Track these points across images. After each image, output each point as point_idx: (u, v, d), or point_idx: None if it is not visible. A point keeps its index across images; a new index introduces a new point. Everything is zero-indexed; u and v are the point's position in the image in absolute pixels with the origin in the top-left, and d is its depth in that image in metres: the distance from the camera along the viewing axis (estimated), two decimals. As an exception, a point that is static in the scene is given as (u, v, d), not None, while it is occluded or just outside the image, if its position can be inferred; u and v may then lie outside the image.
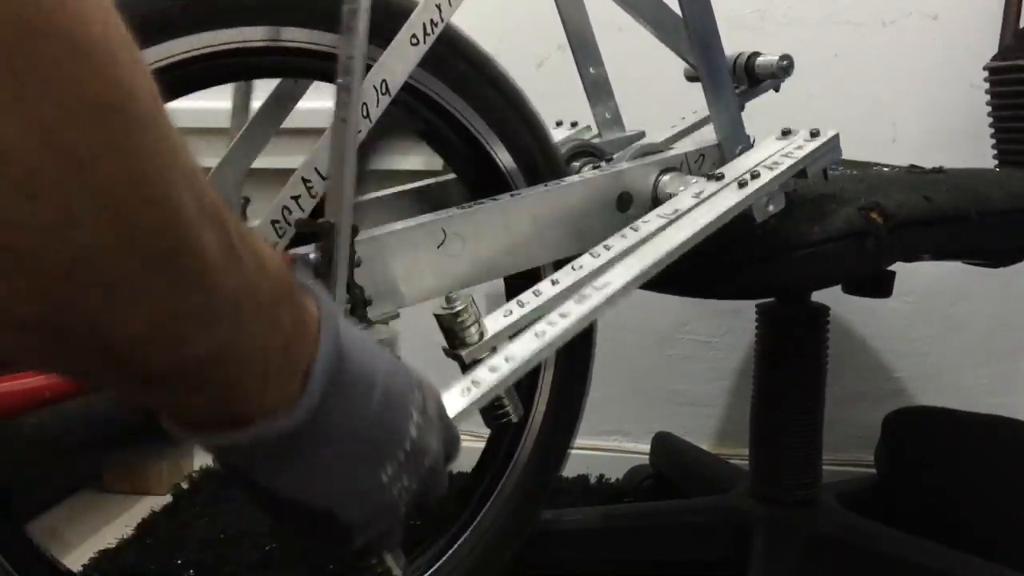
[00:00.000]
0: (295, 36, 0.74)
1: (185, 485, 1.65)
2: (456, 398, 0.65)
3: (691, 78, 0.98)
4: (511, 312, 0.72)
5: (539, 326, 0.71)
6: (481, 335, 0.69)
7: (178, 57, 0.68)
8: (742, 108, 0.98)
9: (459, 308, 0.68)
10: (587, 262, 0.77)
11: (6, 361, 0.75)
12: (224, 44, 0.70)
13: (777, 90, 1.01)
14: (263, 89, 0.90)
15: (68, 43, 0.28)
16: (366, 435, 0.44)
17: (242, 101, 0.95)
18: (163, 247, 0.32)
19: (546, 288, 0.75)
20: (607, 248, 0.78)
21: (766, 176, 0.85)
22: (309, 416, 0.40)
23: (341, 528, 0.45)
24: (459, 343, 0.69)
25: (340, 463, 0.43)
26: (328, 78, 0.70)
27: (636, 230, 0.80)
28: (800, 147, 0.90)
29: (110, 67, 0.30)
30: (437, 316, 0.69)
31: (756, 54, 0.99)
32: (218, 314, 0.35)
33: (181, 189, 0.32)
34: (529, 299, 0.74)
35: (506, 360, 0.68)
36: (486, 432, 0.97)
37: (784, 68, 0.98)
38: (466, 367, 0.68)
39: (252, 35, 0.72)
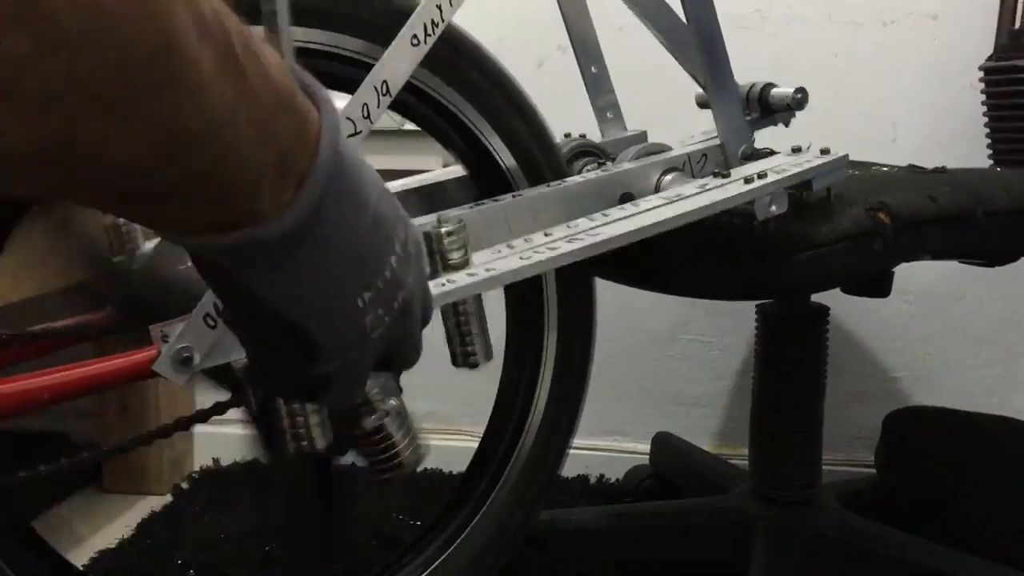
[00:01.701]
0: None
1: (185, 485, 1.65)
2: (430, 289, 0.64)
3: (703, 104, 0.97)
4: (500, 251, 0.72)
5: (526, 252, 0.71)
6: (467, 262, 0.68)
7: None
8: (751, 138, 0.97)
9: (451, 228, 0.67)
10: (582, 223, 0.77)
11: (5, 362, 0.75)
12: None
13: (788, 125, 1.01)
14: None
15: None
16: (352, 253, 0.44)
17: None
18: (159, 66, 0.32)
19: (538, 238, 0.74)
20: (605, 215, 0.78)
21: (772, 177, 0.85)
22: (299, 223, 0.40)
23: (309, 346, 0.45)
24: (442, 262, 0.67)
25: (323, 277, 0.43)
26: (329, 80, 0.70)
27: (636, 206, 0.80)
28: (810, 161, 0.90)
29: None
30: (425, 233, 0.67)
31: (771, 85, 0.99)
32: (213, 128, 0.35)
33: (180, 9, 0.32)
34: (519, 243, 0.73)
35: (486, 271, 0.68)
36: (481, 431, 0.97)
37: (799, 101, 0.98)
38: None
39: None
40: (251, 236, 0.39)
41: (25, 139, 0.30)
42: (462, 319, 0.67)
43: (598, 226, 0.76)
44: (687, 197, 0.81)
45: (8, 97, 0.29)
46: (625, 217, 0.78)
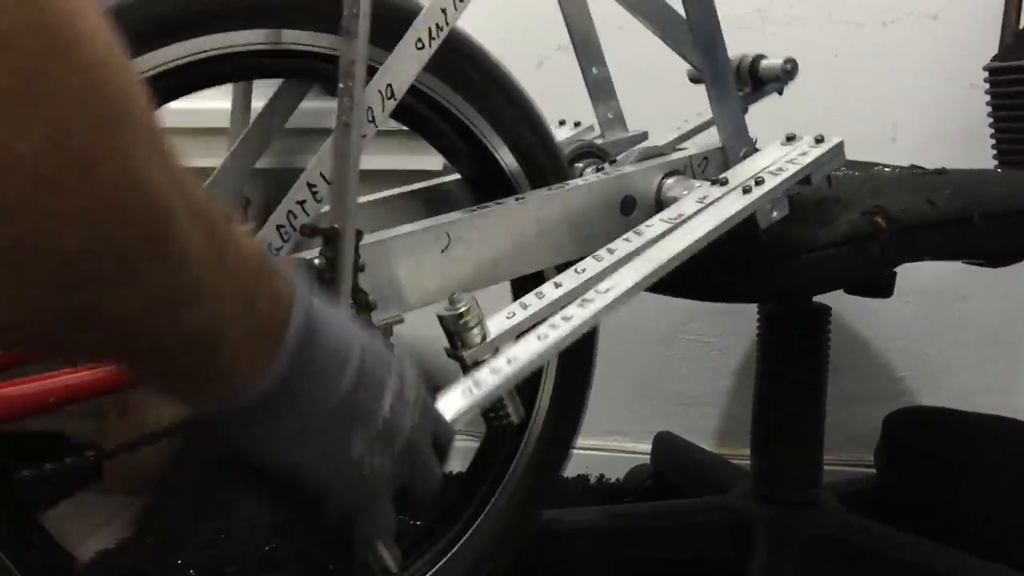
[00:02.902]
0: (297, 39, 0.73)
1: (185, 485, 1.64)
2: (457, 399, 0.66)
3: (695, 79, 0.97)
4: (514, 314, 0.72)
5: (542, 329, 0.71)
6: (484, 337, 0.69)
7: (180, 61, 0.68)
8: (745, 111, 0.97)
9: (462, 309, 0.69)
10: (591, 265, 0.77)
11: (11, 363, 0.75)
12: (227, 47, 0.70)
13: (780, 93, 1.01)
14: (264, 89, 0.90)
15: (77, 61, 0.33)
16: (334, 406, 0.47)
17: (242, 101, 0.95)
18: (156, 240, 0.37)
19: (549, 291, 0.75)
20: (611, 252, 0.78)
21: (771, 182, 0.85)
22: (277, 384, 0.44)
23: (312, 495, 0.49)
24: (461, 344, 0.69)
25: (307, 430, 0.47)
26: (330, 80, 0.70)
27: (640, 234, 0.80)
28: (805, 153, 0.90)
29: (112, 82, 0.35)
30: (440, 317, 0.69)
31: (760, 57, 0.99)
32: (200, 297, 0.40)
33: (172, 190, 0.38)
34: (532, 302, 0.74)
35: (508, 362, 0.69)
36: (482, 430, 0.97)
37: (788, 71, 0.98)
38: (468, 368, 0.69)
39: (253, 38, 0.72)
40: (231, 400, 0.44)
41: (39, 291, 0.35)
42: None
43: (606, 269, 0.77)
44: (690, 218, 0.82)
45: (34, 254, 0.34)
46: (632, 254, 0.78)
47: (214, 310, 0.41)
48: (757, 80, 1.00)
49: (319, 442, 0.47)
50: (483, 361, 0.69)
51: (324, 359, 0.47)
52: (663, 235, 0.80)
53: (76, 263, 0.35)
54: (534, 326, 0.72)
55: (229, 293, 0.42)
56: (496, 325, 0.71)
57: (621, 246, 0.79)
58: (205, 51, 0.70)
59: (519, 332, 0.72)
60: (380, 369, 0.50)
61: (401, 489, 0.53)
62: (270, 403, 0.45)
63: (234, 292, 0.42)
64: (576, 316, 0.72)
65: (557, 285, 0.75)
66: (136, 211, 0.36)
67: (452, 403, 0.65)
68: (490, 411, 0.70)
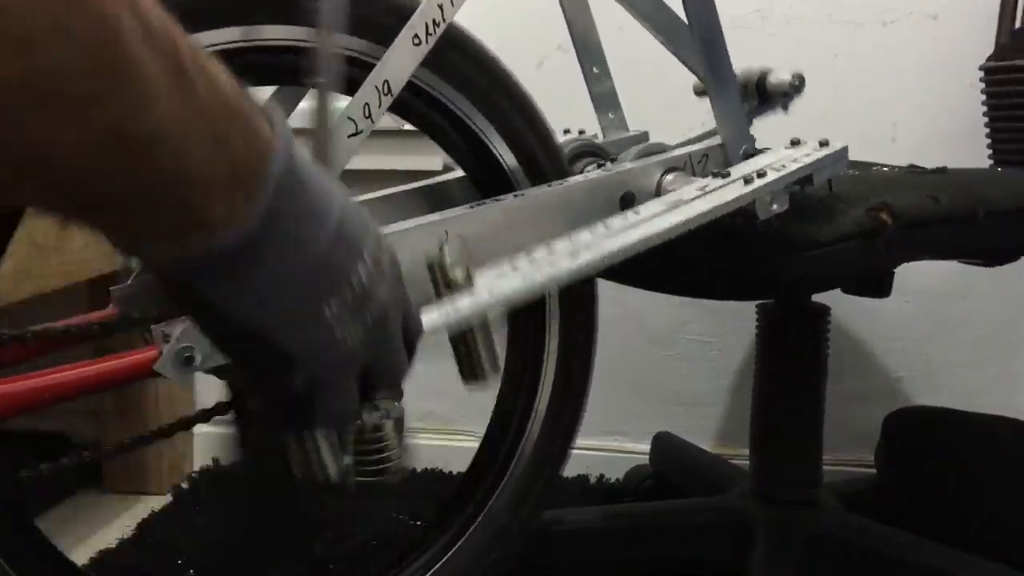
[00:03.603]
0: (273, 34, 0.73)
1: (185, 485, 1.65)
2: (432, 315, 0.64)
3: (700, 93, 0.97)
4: (502, 270, 0.72)
5: (527, 270, 0.71)
6: (469, 282, 0.68)
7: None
8: (750, 124, 0.97)
9: (451, 256, 0.67)
10: (585, 235, 0.77)
11: (6, 362, 0.75)
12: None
13: (786, 109, 1.01)
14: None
15: None
16: (310, 262, 0.44)
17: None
18: (103, 69, 0.33)
19: (540, 253, 0.74)
20: (606, 226, 0.78)
21: (772, 175, 0.85)
22: (251, 234, 0.41)
23: (281, 357, 0.45)
24: (446, 287, 0.67)
25: (281, 286, 0.43)
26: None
27: (637, 214, 0.80)
28: (808, 155, 0.90)
29: None
30: (427, 260, 0.67)
31: (767, 71, 0.99)
32: (162, 137, 0.36)
33: (122, 12, 0.33)
34: (522, 261, 0.73)
35: (489, 293, 0.67)
36: (482, 431, 0.97)
37: (796, 87, 0.98)
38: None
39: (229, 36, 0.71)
40: (203, 248, 0.40)
41: None
42: (468, 337, 0.67)
43: (599, 239, 0.76)
44: (688, 202, 0.81)
45: None
46: (626, 228, 0.77)
47: (177, 150, 0.37)
48: (764, 94, 0.99)
49: (292, 301, 0.44)
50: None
51: (303, 212, 0.43)
52: (659, 215, 0.79)
53: (7, 95, 0.31)
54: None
55: (196, 131, 0.38)
56: (484, 276, 0.70)
57: (617, 222, 0.78)
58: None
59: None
60: (359, 232, 0.47)
61: (368, 371, 0.50)
62: (241, 256, 0.41)
63: (202, 130, 0.38)
64: (564, 265, 0.71)
65: (549, 250, 0.75)
66: (78, 32, 0.32)
67: (427, 318, 0.63)
68: (464, 352, 0.68)
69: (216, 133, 0.39)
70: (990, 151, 1.33)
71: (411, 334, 0.54)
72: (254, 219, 0.41)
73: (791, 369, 1.23)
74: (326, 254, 0.45)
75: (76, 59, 0.32)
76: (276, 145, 0.42)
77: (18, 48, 0.30)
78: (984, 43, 1.38)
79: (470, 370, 0.69)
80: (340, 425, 0.52)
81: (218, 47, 0.71)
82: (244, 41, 0.72)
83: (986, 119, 1.32)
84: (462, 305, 0.65)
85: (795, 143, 0.94)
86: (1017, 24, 1.37)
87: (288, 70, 0.75)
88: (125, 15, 0.34)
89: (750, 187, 0.84)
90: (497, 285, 0.68)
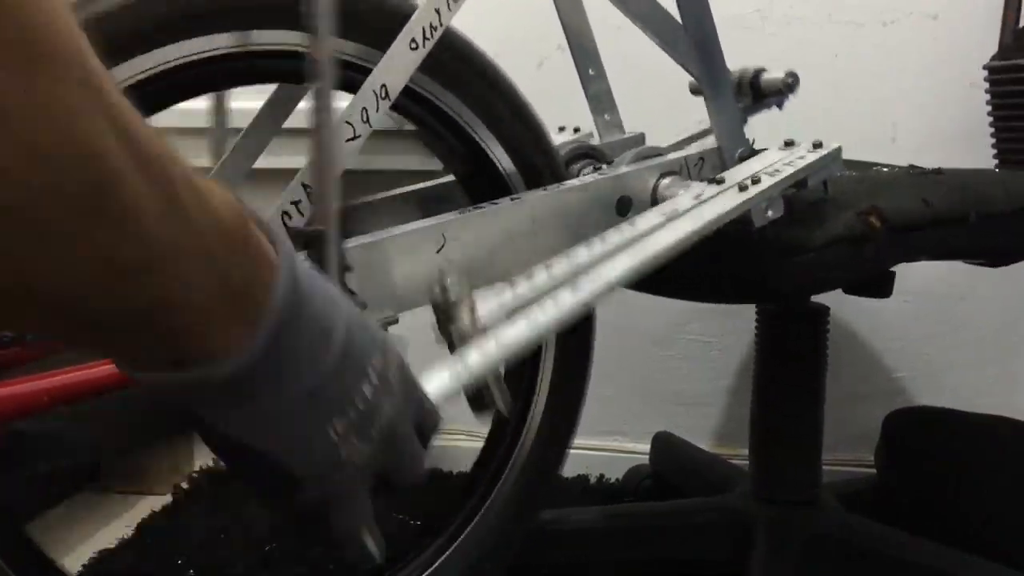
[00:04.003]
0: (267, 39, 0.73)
1: (185, 485, 1.65)
2: (443, 379, 0.64)
3: (696, 92, 0.97)
4: (504, 298, 0.72)
5: (532, 314, 0.70)
6: (473, 318, 0.68)
7: (157, 69, 0.68)
8: (745, 122, 0.97)
9: (453, 292, 0.67)
10: (582, 253, 0.77)
11: (4, 364, 0.75)
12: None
13: (780, 107, 1.01)
14: (263, 89, 0.90)
15: None
16: (315, 387, 0.43)
17: (219, 104, 0.93)
18: (88, 196, 0.32)
19: (540, 274, 0.74)
20: (603, 241, 0.78)
21: (767, 182, 0.85)
22: (251, 363, 0.40)
23: (288, 478, 0.45)
24: (450, 324, 0.67)
25: (286, 412, 0.43)
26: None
27: (633, 226, 0.80)
28: (802, 157, 0.90)
29: (30, 15, 0.30)
30: (431, 297, 0.68)
31: (761, 70, 0.99)
32: (155, 263, 0.35)
33: (107, 138, 0.33)
34: (522, 286, 0.73)
35: (496, 345, 0.67)
36: (484, 431, 0.97)
37: (789, 85, 0.98)
38: (455, 349, 0.68)
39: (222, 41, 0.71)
40: (201, 376, 0.39)
41: None
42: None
43: (598, 258, 0.76)
44: (684, 213, 0.81)
45: None
46: (623, 245, 0.77)
47: (171, 278, 0.36)
48: (758, 93, 0.99)
49: (295, 425, 0.44)
50: (471, 342, 0.68)
51: (307, 336, 0.42)
52: (657, 228, 0.79)
53: None
54: (524, 308, 0.71)
55: (191, 259, 0.37)
56: (485, 306, 0.70)
57: (614, 236, 0.78)
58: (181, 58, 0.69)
59: (509, 312, 0.71)
60: (365, 348, 0.46)
61: (381, 477, 0.50)
62: (243, 382, 0.40)
63: (197, 258, 0.37)
64: (566, 301, 0.71)
65: (548, 271, 0.75)
66: (63, 164, 0.31)
67: (437, 383, 0.63)
68: (477, 398, 0.69)
69: (213, 259, 0.38)
70: (994, 151, 1.33)
71: (427, 430, 0.54)
72: (255, 347, 0.40)
73: (791, 369, 1.23)
74: (330, 377, 0.44)
75: (57, 188, 0.31)
76: (278, 268, 0.41)
77: None
78: (984, 43, 1.38)
79: (480, 403, 0.69)
80: (358, 525, 0.52)
81: (217, 52, 0.71)
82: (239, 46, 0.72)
83: (990, 119, 1.32)
84: (472, 363, 0.66)
85: (789, 144, 0.94)
86: (1021, 23, 1.37)
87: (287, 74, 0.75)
88: (113, 142, 0.33)
89: (745, 195, 0.84)
90: (503, 334, 0.69)
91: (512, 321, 0.70)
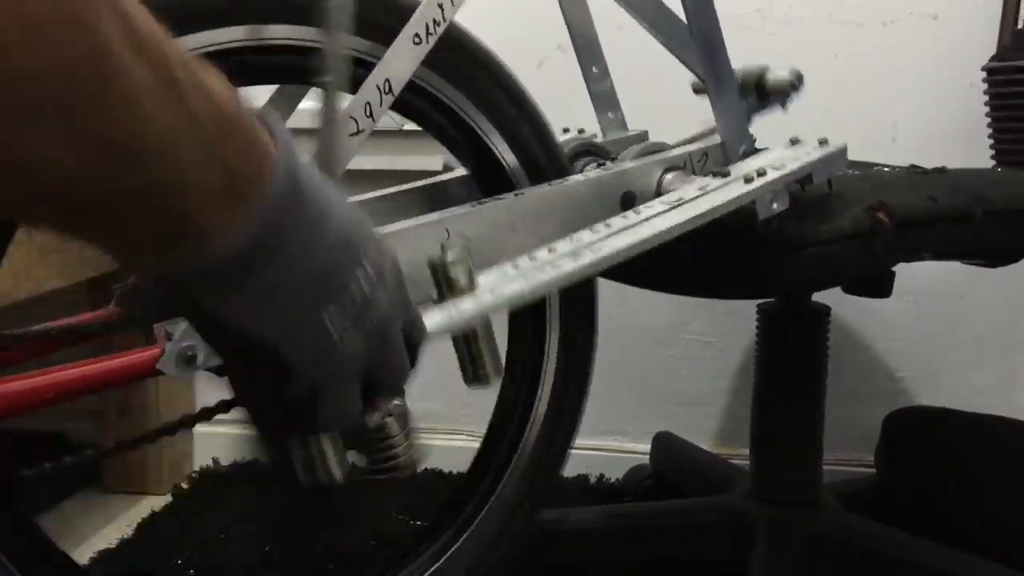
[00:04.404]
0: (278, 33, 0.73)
1: (185, 485, 1.65)
2: (435, 317, 0.64)
3: (699, 91, 0.97)
4: (504, 272, 0.72)
5: (530, 274, 0.70)
6: (472, 283, 0.68)
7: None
8: (749, 122, 0.97)
9: (454, 256, 0.67)
10: (586, 235, 0.77)
11: (6, 360, 0.75)
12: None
13: (785, 107, 1.01)
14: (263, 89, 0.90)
15: None
16: (310, 271, 0.44)
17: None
18: (88, 76, 0.32)
19: (542, 254, 0.74)
20: (607, 225, 0.78)
21: (772, 175, 0.85)
22: (248, 245, 0.40)
23: (281, 364, 0.45)
24: (449, 291, 0.67)
25: (279, 295, 0.43)
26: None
27: (638, 213, 0.80)
28: (808, 154, 0.90)
29: None
30: (430, 262, 0.67)
31: (765, 68, 0.99)
32: (150, 145, 0.35)
33: (108, 21, 0.33)
34: (524, 262, 0.73)
35: (492, 295, 0.67)
36: (483, 431, 0.97)
37: (794, 85, 0.98)
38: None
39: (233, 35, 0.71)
40: (199, 257, 0.39)
41: None
42: (471, 339, 0.67)
43: (600, 239, 0.76)
44: (688, 201, 0.81)
45: None
46: (627, 228, 0.77)
47: (168, 159, 0.36)
48: (763, 92, 1.00)
49: (290, 309, 0.44)
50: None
51: (302, 221, 0.43)
52: (661, 214, 0.79)
53: None
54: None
55: (188, 140, 0.37)
56: (486, 278, 0.70)
57: (617, 222, 0.78)
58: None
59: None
60: (360, 238, 0.47)
61: (370, 376, 0.50)
62: (237, 266, 0.41)
63: (194, 140, 0.37)
64: (565, 265, 0.71)
65: (551, 250, 0.75)
66: (63, 41, 0.31)
67: (429, 319, 0.63)
68: (467, 361, 0.68)
69: (210, 142, 0.38)
70: (992, 151, 1.33)
71: (414, 339, 0.54)
72: (251, 229, 0.40)
73: (791, 369, 1.23)
74: (326, 262, 0.44)
75: (53, 63, 0.31)
76: (275, 153, 0.42)
77: None
78: (984, 43, 1.38)
79: (473, 372, 0.69)
80: (342, 429, 0.52)
81: (223, 46, 0.71)
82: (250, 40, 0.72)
83: (988, 119, 1.32)
84: (465, 307, 0.65)
85: (794, 142, 0.94)
86: (1020, 24, 1.37)
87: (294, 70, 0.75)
88: (109, 22, 0.33)
89: (751, 186, 0.84)
90: (500, 286, 0.68)
91: (508, 276, 0.69)
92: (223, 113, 0.39)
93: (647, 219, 0.79)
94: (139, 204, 0.37)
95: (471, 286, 0.67)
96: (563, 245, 0.75)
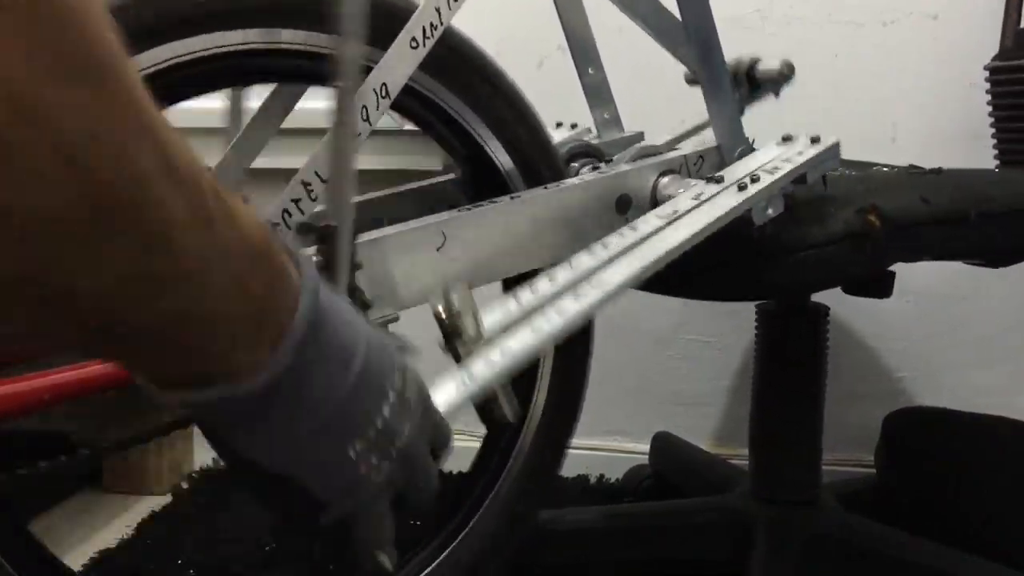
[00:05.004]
0: (292, 38, 0.73)
1: (185, 485, 1.65)
2: (450, 391, 0.65)
3: (691, 81, 0.98)
4: (508, 309, 0.72)
5: (536, 322, 0.71)
6: (478, 330, 0.69)
7: (176, 60, 0.69)
8: (742, 113, 0.98)
9: (457, 302, 0.68)
10: (584, 260, 0.77)
11: (5, 362, 0.75)
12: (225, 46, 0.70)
13: (777, 95, 1.01)
14: (263, 88, 0.90)
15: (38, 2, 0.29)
16: (336, 408, 0.44)
17: (236, 102, 0.94)
18: (123, 205, 0.32)
19: (543, 285, 0.74)
20: (605, 247, 0.78)
21: (766, 180, 0.85)
22: (274, 382, 0.40)
23: (309, 500, 0.46)
24: (455, 337, 0.68)
25: (306, 432, 0.43)
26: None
27: (634, 229, 0.80)
28: (801, 153, 0.90)
29: (75, 25, 0.30)
30: (436, 315, 0.68)
31: (756, 59, 0.99)
32: (184, 275, 0.35)
33: (142, 149, 0.33)
34: (526, 296, 0.73)
35: (502, 355, 0.68)
36: (482, 431, 0.97)
37: (785, 74, 0.98)
38: (461, 361, 0.68)
39: (251, 37, 0.72)
40: (225, 393, 0.40)
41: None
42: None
43: (600, 265, 0.76)
44: (685, 214, 0.81)
45: None
46: (625, 249, 0.78)
47: (201, 289, 0.36)
48: (754, 83, 1.00)
49: (316, 446, 0.44)
50: (476, 354, 0.68)
51: (328, 357, 0.43)
52: (657, 231, 0.80)
53: (31, 234, 0.31)
54: (528, 319, 0.72)
55: (221, 270, 0.37)
56: (490, 319, 0.71)
57: (615, 241, 0.78)
58: (199, 51, 0.70)
59: (514, 326, 0.71)
60: (384, 368, 0.47)
61: (398, 494, 0.51)
62: (264, 400, 0.41)
63: (225, 270, 0.37)
64: (570, 309, 0.72)
65: (551, 280, 0.75)
66: (99, 172, 0.31)
67: (445, 395, 0.64)
68: (484, 407, 0.69)
69: (239, 274, 0.38)
70: (995, 151, 1.33)
71: (440, 444, 0.55)
72: (278, 366, 0.40)
73: (791, 369, 1.23)
74: (350, 398, 0.44)
75: (87, 192, 0.31)
76: (302, 287, 0.42)
77: (37, 181, 0.30)
78: (984, 43, 1.38)
79: (491, 417, 0.70)
80: (378, 548, 0.53)
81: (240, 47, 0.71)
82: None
83: (991, 120, 1.32)
84: (478, 375, 0.66)
85: (787, 139, 0.94)
86: (1022, 24, 1.37)
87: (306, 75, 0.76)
88: (149, 151, 0.33)
89: (745, 195, 0.84)
90: (509, 342, 0.69)
91: (516, 330, 0.70)
92: (252, 245, 0.39)
93: (645, 238, 0.79)
94: (168, 334, 0.37)
95: (478, 333, 0.68)
96: (563, 274, 0.75)
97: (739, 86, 0.99)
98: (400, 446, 0.48)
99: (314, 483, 0.45)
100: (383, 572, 0.54)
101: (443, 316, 0.68)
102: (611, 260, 0.77)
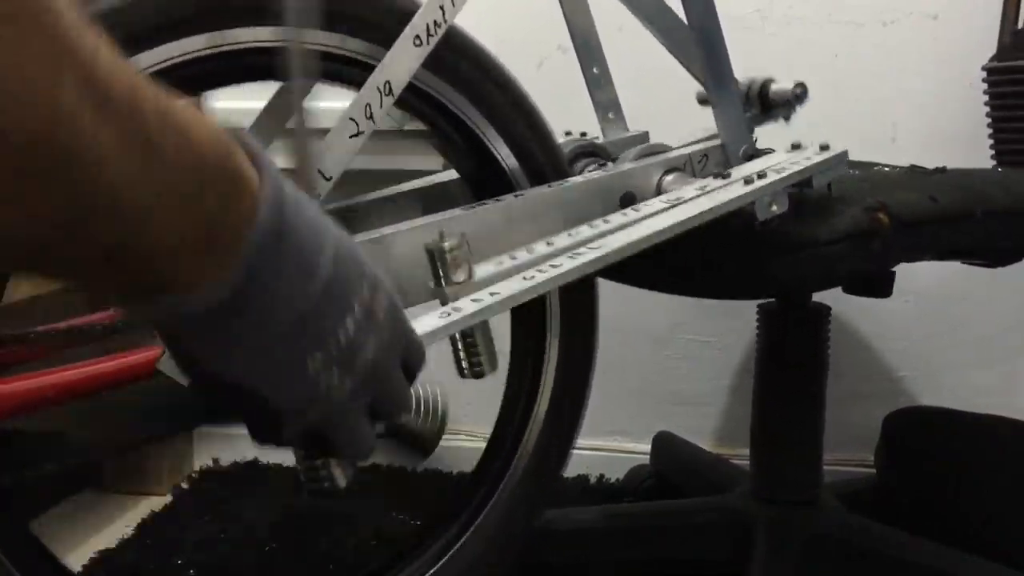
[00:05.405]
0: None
1: (185, 485, 1.65)
2: (433, 319, 0.63)
3: (703, 101, 0.97)
4: (502, 263, 0.72)
5: (528, 272, 0.70)
6: (470, 275, 0.68)
7: (182, 58, 0.69)
8: (751, 132, 0.97)
9: (451, 243, 0.66)
10: (584, 230, 0.77)
11: (6, 362, 0.75)
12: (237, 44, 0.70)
13: (788, 120, 1.01)
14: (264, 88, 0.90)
15: None
16: (297, 319, 0.43)
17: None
18: (40, 141, 0.32)
19: (540, 247, 0.74)
20: (606, 221, 0.78)
21: (772, 177, 0.85)
22: (231, 293, 0.40)
23: (269, 411, 0.45)
24: (445, 280, 0.67)
25: (263, 344, 0.43)
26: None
27: (637, 211, 0.80)
28: (809, 158, 0.90)
29: None
30: (427, 248, 0.67)
31: (770, 80, 0.99)
32: (120, 203, 0.35)
33: (61, 83, 0.32)
34: (522, 255, 0.73)
35: (490, 294, 0.67)
36: (486, 432, 0.97)
37: (798, 96, 0.98)
38: (448, 304, 0.67)
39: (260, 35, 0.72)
40: (176, 307, 0.39)
41: None
42: (467, 333, 0.67)
43: (599, 234, 0.76)
44: (688, 200, 0.81)
45: None
46: (626, 224, 0.77)
47: (136, 217, 0.36)
48: (766, 104, 0.99)
49: (275, 358, 0.43)
50: (464, 294, 0.67)
51: (288, 268, 0.42)
52: (661, 211, 0.79)
53: None
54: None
55: (159, 197, 0.36)
56: (483, 270, 0.70)
57: (616, 218, 0.78)
58: (204, 49, 0.70)
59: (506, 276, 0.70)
60: (352, 281, 0.46)
61: (367, 409, 0.50)
62: (222, 311, 0.40)
63: (167, 195, 0.36)
64: (564, 265, 0.71)
65: (549, 244, 0.75)
66: (11, 111, 0.31)
67: (426, 323, 0.62)
68: (463, 352, 0.68)
69: (186, 195, 0.37)
70: (993, 152, 1.33)
71: (412, 365, 0.53)
72: (232, 280, 0.40)
73: (791, 369, 1.23)
74: (312, 310, 0.44)
75: (7, 135, 0.31)
76: (262, 197, 0.41)
77: None
78: (984, 43, 1.38)
79: (468, 366, 0.69)
80: (360, 457, 0.52)
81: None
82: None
83: (989, 120, 1.32)
84: (463, 308, 0.65)
85: (796, 147, 0.94)
86: (1020, 24, 1.37)
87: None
88: (66, 84, 0.32)
89: (750, 187, 0.84)
90: (498, 287, 0.68)
91: (508, 278, 0.69)
92: (203, 160, 0.38)
93: (646, 216, 0.79)
94: (110, 258, 0.36)
95: (469, 275, 0.67)
96: (561, 239, 0.75)
97: (751, 106, 0.99)
98: (364, 360, 0.47)
99: (274, 394, 0.44)
100: (335, 486, 0.53)
101: (434, 253, 0.66)
102: (611, 232, 0.76)
